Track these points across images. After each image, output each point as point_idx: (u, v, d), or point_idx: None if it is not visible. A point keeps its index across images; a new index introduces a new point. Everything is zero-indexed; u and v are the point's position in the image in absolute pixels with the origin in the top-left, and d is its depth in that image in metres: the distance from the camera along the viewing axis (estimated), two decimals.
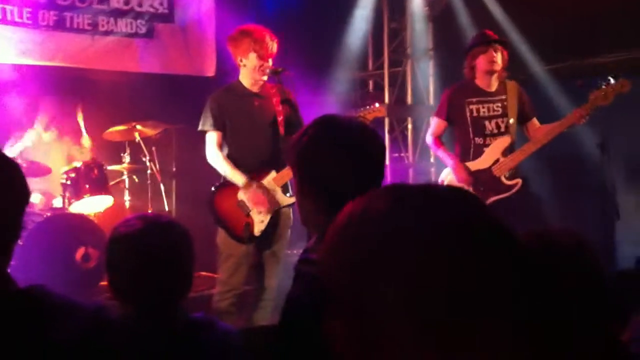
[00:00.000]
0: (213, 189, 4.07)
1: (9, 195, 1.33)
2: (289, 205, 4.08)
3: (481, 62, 4.53)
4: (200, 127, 4.13)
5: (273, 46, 4.06)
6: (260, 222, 3.99)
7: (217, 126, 4.07)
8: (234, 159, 4.07)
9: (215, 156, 4.06)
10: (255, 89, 4.14)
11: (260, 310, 4.13)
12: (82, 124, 5.68)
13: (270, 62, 4.09)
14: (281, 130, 4.06)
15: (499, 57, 4.53)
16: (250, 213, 3.99)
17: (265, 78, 4.10)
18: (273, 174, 4.04)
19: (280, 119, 4.06)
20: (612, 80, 4.27)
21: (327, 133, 1.72)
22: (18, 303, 1.31)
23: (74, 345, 1.29)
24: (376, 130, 1.80)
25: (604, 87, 4.27)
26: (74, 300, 1.35)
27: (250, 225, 3.95)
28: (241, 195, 4.02)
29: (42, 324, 1.27)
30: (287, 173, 3.99)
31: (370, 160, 1.72)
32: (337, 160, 1.68)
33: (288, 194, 4.07)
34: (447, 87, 4.88)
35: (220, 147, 4.10)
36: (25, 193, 1.38)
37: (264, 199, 3.98)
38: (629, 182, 5.72)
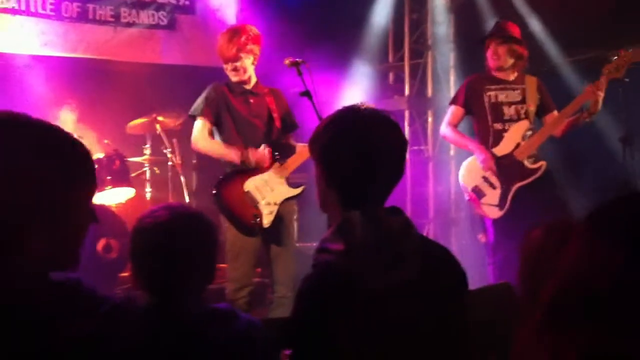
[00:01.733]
0: (218, 181, 4.00)
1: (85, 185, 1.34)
2: (294, 197, 4.07)
3: (488, 58, 4.56)
4: (190, 112, 4.12)
5: (245, 46, 4.08)
6: (269, 213, 3.95)
7: (208, 115, 4.04)
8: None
9: (204, 140, 4.04)
10: (249, 87, 4.17)
11: (280, 307, 4.06)
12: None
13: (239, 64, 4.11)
14: (277, 126, 4.10)
15: (503, 52, 4.50)
16: (258, 205, 3.94)
17: (237, 78, 4.12)
18: (277, 165, 4.03)
19: (275, 115, 4.11)
20: (623, 52, 4.27)
21: (348, 131, 1.72)
22: (58, 292, 1.33)
23: (103, 335, 1.32)
24: (398, 123, 1.79)
25: (615, 59, 4.28)
26: (102, 293, 1.37)
27: (259, 216, 3.90)
28: (248, 186, 3.97)
29: (77, 314, 1.29)
30: (290, 165, 4.01)
31: (391, 156, 1.73)
32: (357, 160, 1.69)
33: (293, 187, 4.05)
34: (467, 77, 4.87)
35: (210, 135, 4.08)
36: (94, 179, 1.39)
37: (263, 154, 3.97)
38: None
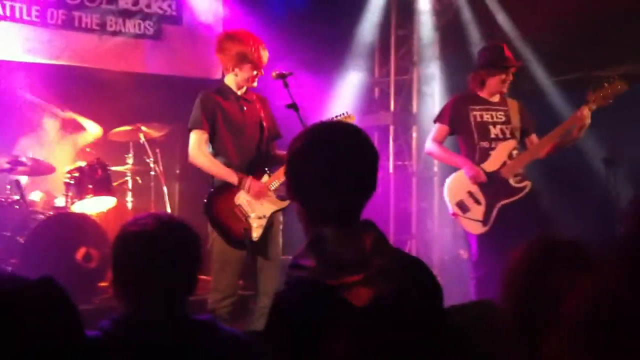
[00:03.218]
0: (210, 193, 4.01)
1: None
2: (282, 209, 4.08)
3: (495, 81, 4.59)
4: (189, 126, 4.04)
5: (265, 55, 4.08)
6: (259, 226, 3.97)
7: (205, 126, 3.99)
8: (222, 161, 4.04)
9: (203, 156, 4.00)
10: (240, 93, 4.15)
11: (262, 317, 4.04)
12: (80, 118, 5.69)
13: (262, 71, 4.12)
14: (266, 134, 4.10)
15: (509, 79, 4.58)
16: (248, 218, 3.96)
17: (255, 85, 4.13)
18: (266, 177, 4.05)
19: (265, 124, 4.11)
20: (609, 82, 4.33)
21: (313, 149, 1.71)
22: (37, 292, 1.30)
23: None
24: (369, 137, 1.77)
25: (601, 88, 4.32)
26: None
27: (248, 230, 3.92)
28: (239, 199, 3.98)
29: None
30: (277, 175, 4.02)
31: (358, 174, 1.71)
32: (319, 180, 1.68)
33: (281, 199, 4.05)
34: (453, 95, 4.90)
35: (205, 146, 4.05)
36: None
37: (263, 186, 3.97)
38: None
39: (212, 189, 4.03)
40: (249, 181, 3.95)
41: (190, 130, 4.03)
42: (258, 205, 3.99)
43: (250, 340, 1.91)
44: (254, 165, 4.05)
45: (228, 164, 4.01)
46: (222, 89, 4.13)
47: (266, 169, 4.07)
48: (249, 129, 4.08)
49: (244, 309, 4.29)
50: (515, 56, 4.78)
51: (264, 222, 3.99)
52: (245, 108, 4.10)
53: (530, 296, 1.64)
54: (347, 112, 4.21)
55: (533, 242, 1.73)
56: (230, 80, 4.14)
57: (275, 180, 4.03)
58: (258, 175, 4.03)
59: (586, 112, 4.31)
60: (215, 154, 4.06)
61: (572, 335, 0.83)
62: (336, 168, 1.68)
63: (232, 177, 3.96)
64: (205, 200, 3.98)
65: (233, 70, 4.08)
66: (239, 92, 4.13)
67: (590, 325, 0.82)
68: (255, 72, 4.05)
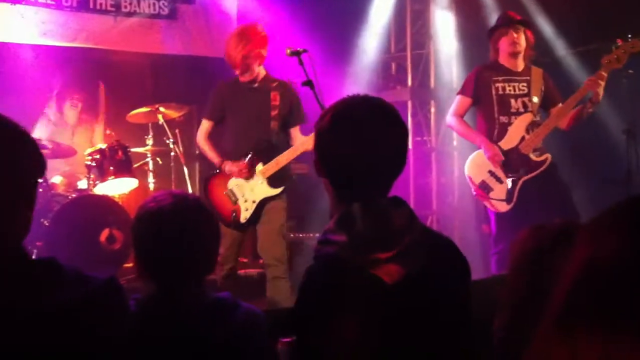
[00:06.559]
0: (206, 178, 4.44)
1: (23, 164, 1.34)
2: (273, 197, 4.26)
3: (504, 44, 4.53)
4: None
5: (251, 51, 4.24)
6: (245, 209, 4.25)
7: (212, 116, 4.41)
8: (225, 149, 4.35)
9: (201, 140, 4.43)
10: (255, 84, 4.31)
11: (275, 288, 4.22)
12: (101, 106, 5.73)
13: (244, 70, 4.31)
14: (273, 124, 4.25)
15: (521, 38, 4.51)
16: (238, 202, 4.26)
17: (257, 73, 4.30)
18: (260, 166, 4.25)
19: (274, 113, 4.25)
20: (622, 42, 4.28)
21: (340, 126, 1.68)
22: (35, 270, 1.33)
23: (90, 312, 1.32)
24: (399, 113, 1.76)
25: (614, 50, 4.28)
26: (85, 273, 1.37)
27: (237, 212, 4.23)
28: (231, 184, 4.29)
29: (57, 290, 1.29)
30: (273, 166, 4.22)
31: (389, 147, 1.69)
32: (348, 157, 1.67)
33: (273, 187, 4.25)
34: (474, 67, 4.84)
35: (209, 135, 4.41)
36: (40, 163, 1.39)
37: (242, 166, 4.22)
38: None
39: (211, 172, 4.43)
40: (227, 165, 4.26)
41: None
42: (248, 190, 4.27)
43: (269, 317, 1.93)
44: (254, 153, 4.25)
45: (230, 151, 4.32)
46: (233, 80, 4.38)
47: (264, 159, 4.24)
48: (255, 119, 4.27)
49: (262, 286, 4.40)
50: (532, 29, 4.71)
51: (252, 206, 4.25)
52: (253, 99, 4.28)
53: (533, 273, 1.65)
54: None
55: (539, 225, 1.74)
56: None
57: (270, 168, 4.22)
58: (253, 162, 4.24)
59: (599, 75, 4.26)
60: (223, 140, 4.41)
61: (568, 296, 0.84)
62: (364, 145, 1.66)
63: (215, 160, 4.35)
64: (202, 183, 4.47)
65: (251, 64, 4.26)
66: (252, 84, 4.29)
67: (586, 282, 0.83)
68: (236, 70, 4.27)
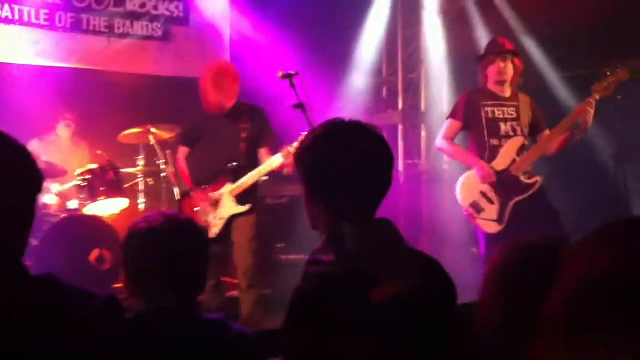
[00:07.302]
0: (182, 194, 4.80)
1: (23, 179, 1.35)
2: (240, 214, 4.51)
3: (491, 72, 4.59)
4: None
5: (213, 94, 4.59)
6: (214, 226, 4.52)
7: (185, 142, 4.78)
8: (195, 173, 4.67)
9: (179, 163, 4.80)
10: (225, 111, 4.59)
11: (243, 302, 4.49)
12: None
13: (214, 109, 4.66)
14: (242, 146, 4.54)
15: (509, 67, 4.56)
16: (207, 218, 4.53)
17: (228, 108, 4.61)
18: (229, 185, 4.52)
19: (244, 135, 4.54)
20: (611, 71, 4.34)
21: (333, 143, 1.72)
22: (36, 287, 1.33)
23: (90, 328, 1.32)
24: (383, 136, 1.79)
25: (604, 78, 4.33)
26: (85, 289, 1.38)
27: (206, 228, 4.46)
28: (202, 203, 4.61)
29: (60, 306, 1.29)
30: (241, 185, 4.49)
31: (376, 168, 1.73)
32: (342, 172, 1.69)
33: (240, 205, 4.52)
34: (463, 92, 4.89)
35: (186, 159, 4.76)
36: (38, 178, 1.40)
37: (203, 197, 4.56)
38: None
39: (183, 191, 4.79)
40: (196, 193, 4.61)
41: None
42: (218, 208, 4.54)
43: (259, 338, 1.93)
44: (223, 174, 4.55)
45: (199, 174, 4.65)
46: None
47: (232, 180, 4.52)
48: (224, 144, 4.57)
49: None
50: (520, 51, 4.77)
51: (220, 222, 4.52)
52: (223, 125, 4.56)
53: (504, 293, 1.66)
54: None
55: (514, 245, 1.76)
56: None
57: (238, 188, 4.50)
58: (222, 184, 4.54)
59: (588, 103, 4.31)
60: (195, 164, 4.72)
61: (566, 308, 0.86)
62: (358, 162, 1.69)
63: (188, 185, 4.72)
64: (177, 201, 4.83)
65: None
66: (223, 112, 4.57)
67: (583, 296, 0.85)
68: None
